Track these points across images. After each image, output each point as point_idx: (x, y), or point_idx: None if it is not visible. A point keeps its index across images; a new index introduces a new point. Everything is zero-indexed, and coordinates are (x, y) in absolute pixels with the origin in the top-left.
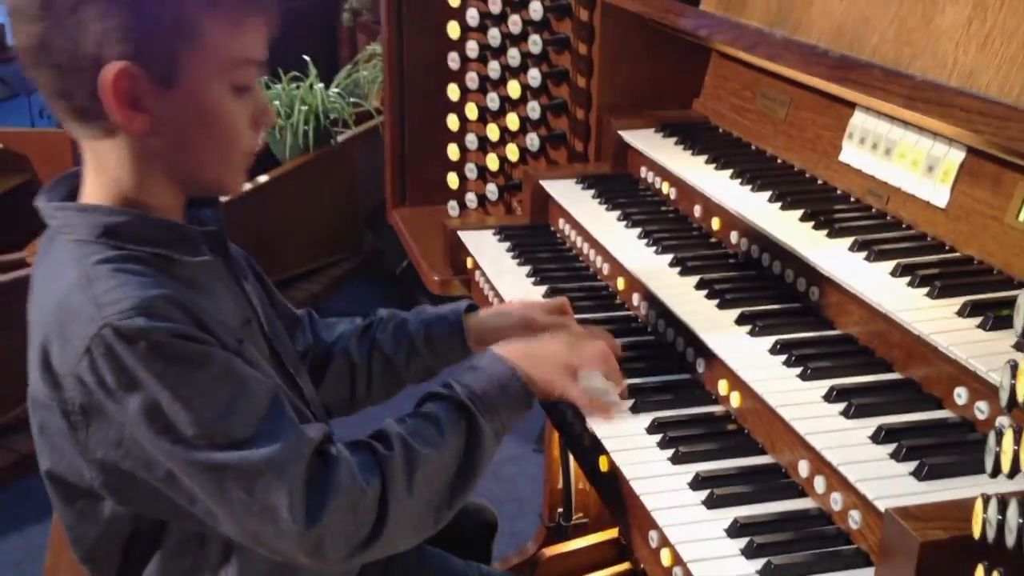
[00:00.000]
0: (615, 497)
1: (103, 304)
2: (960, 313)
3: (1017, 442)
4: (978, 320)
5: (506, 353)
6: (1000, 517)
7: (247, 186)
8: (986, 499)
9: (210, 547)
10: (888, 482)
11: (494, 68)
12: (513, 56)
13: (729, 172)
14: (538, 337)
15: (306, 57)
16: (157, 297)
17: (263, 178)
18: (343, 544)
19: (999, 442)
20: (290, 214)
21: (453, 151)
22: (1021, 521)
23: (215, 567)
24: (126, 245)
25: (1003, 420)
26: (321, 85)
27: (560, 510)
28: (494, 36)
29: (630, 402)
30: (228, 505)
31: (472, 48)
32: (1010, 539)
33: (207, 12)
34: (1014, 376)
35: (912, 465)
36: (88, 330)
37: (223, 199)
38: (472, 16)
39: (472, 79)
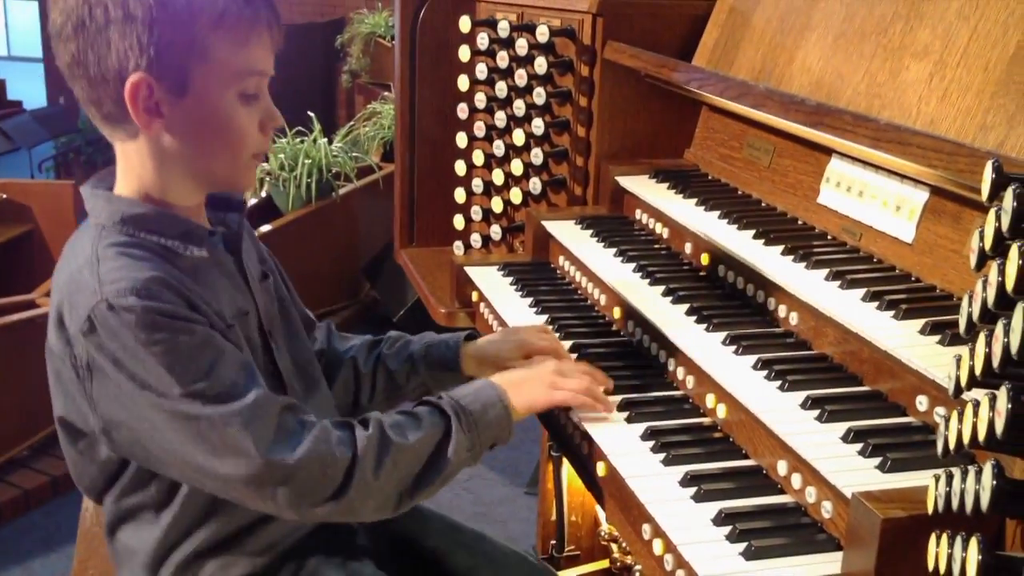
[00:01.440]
0: (611, 498)
1: (104, 282)
2: (922, 332)
3: (960, 421)
4: (938, 337)
5: (497, 380)
6: (948, 488)
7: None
8: (937, 478)
9: (154, 488)
10: (855, 474)
11: (500, 118)
12: (518, 107)
13: (717, 213)
14: (531, 364)
15: (310, 113)
16: (150, 279)
17: (266, 227)
18: (307, 495)
19: (947, 426)
20: (291, 263)
21: (460, 195)
22: (963, 486)
23: (158, 507)
24: (138, 233)
25: None
26: (325, 140)
27: (553, 542)
28: (501, 89)
29: (624, 414)
30: (203, 452)
31: (480, 99)
32: (955, 502)
33: (214, 31)
34: (959, 368)
35: (877, 460)
36: (90, 302)
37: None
38: (481, 70)
39: (479, 128)
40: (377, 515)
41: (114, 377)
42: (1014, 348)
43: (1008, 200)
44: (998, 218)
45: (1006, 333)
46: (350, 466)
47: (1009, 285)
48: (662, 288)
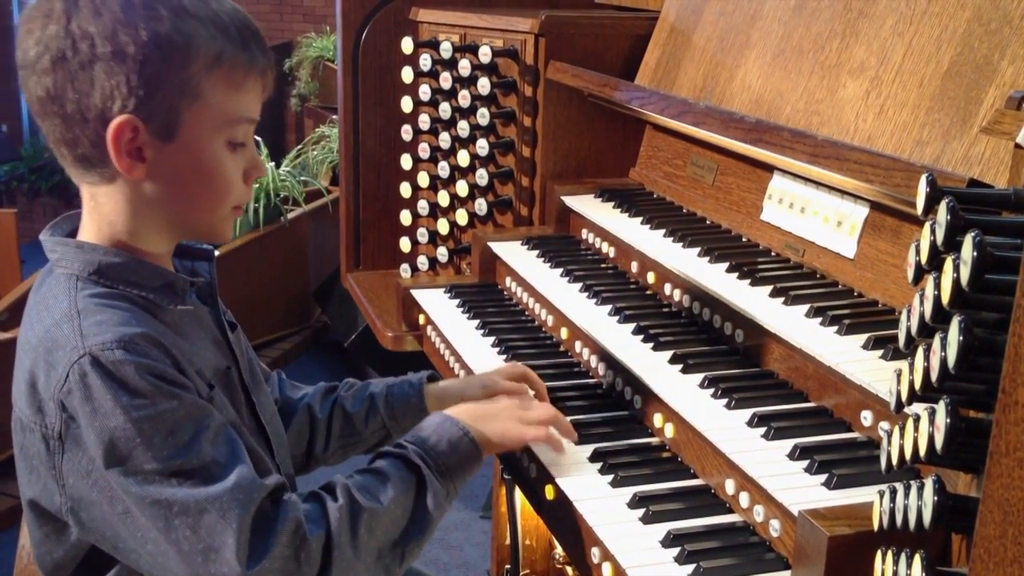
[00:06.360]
0: (561, 521)
1: (87, 335)
2: (865, 347)
3: (902, 437)
4: (880, 352)
5: (456, 413)
6: (892, 504)
7: None
8: (881, 494)
9: None
10: (802, 491)
11: (445, 139)
12: (463, 128)
13: (663, 232)
14: (489, 400)
15: (258, 138)
16: (139, 335)
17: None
18: None
19: (890, 442)
20: (240, 289)
21: (405, 217)
22: (907, 502)
23: None
24: (116, 285)
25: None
26: (272, 164)
27: (508, 566)
28: (445, 110)
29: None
30: (175, 543)
31: (424, 121)
32: (899, 518)
33: (208, 75)
34: (899, 382)
35: (823, 476)
36: (71, 357)
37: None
38: (424, 92)
39: (424, 149)
40: None
41: (87, 446)
42: (951, 362)
43: (942, 214)
44: (933, 232)
45: (943, 347)
46: (326, 544)
47: (945, 298)
48: (609, 308)
